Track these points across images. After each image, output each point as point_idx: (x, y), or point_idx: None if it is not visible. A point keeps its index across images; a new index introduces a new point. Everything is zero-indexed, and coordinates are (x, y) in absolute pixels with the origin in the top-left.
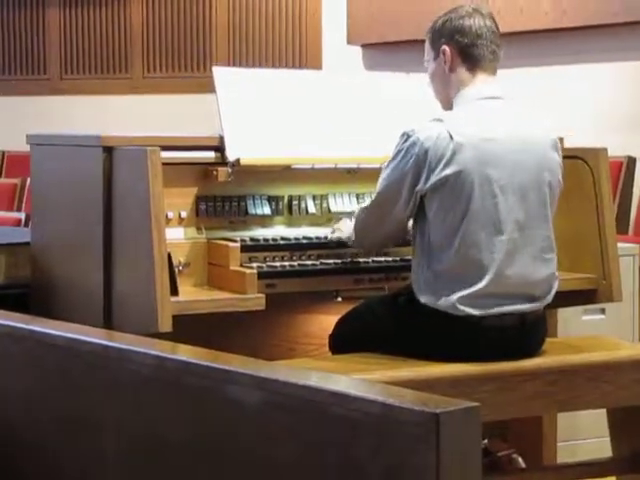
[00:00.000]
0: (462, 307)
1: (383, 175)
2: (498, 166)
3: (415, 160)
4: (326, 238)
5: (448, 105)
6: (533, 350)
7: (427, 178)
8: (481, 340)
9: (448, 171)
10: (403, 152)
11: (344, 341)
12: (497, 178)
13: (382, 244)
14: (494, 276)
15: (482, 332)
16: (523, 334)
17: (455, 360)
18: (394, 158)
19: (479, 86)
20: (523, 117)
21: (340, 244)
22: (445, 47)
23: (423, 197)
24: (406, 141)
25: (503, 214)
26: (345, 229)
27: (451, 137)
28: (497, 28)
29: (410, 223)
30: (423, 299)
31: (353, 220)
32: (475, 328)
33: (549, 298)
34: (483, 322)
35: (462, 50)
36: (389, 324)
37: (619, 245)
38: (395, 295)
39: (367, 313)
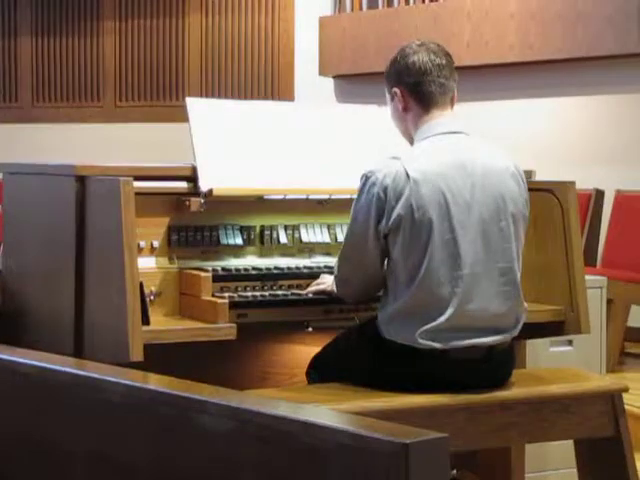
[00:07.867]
0: (424, 341)
1: (350, 218)
2: (456, 201)
3: (377, 198)
4: (298, 268)
5: (412, 142)
6: (500, 382)
7: (388, 216)
8: (446, 373)
9: (406, 209)
10: (365, 193)
11: (321, 375)
12: (455, 213)
13: (364, 291)
14: (455, 310)
15: (447, 365)
16: (490, 366)
17: (423, 392)
18: (357, 201)
19: (434, 122)
20: (482, 150)
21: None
22: (396, 89)
23: (387, 236)
24: (366, 182)
25: (463, 249)
26: (326, 282)
27: (407, 175)
28: (447, 59)
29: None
30: (387, 335)
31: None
32: (439, 361)
33: (516, 331)
34: (447, 355)
35: (411, 90)
36: (359, 357)
37: (587, 277)
38: (363, 327)
39: (340, 346)
